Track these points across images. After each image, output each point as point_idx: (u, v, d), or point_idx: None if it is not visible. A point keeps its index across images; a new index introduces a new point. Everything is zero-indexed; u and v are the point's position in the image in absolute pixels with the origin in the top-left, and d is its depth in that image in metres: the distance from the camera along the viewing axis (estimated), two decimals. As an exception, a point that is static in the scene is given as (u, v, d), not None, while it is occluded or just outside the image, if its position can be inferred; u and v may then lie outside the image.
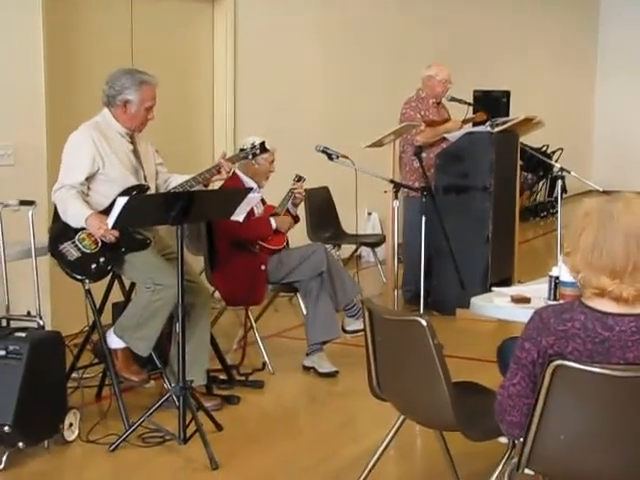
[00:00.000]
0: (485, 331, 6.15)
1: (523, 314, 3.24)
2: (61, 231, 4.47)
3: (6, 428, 3.92)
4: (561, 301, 3.38)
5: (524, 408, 2.75)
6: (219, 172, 4.74)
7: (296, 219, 5.84)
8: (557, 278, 3.48)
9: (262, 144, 4.99)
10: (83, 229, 4.40)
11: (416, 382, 3.24)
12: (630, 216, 2.59)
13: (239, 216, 4.54)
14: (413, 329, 3.10)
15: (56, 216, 4.53)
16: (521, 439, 2.81)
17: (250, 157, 5.03)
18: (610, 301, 2.60)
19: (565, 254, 2.73)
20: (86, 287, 4.52)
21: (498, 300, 3.65)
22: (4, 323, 4.40)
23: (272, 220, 5.59)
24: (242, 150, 5.01)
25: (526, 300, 3.58)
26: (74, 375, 4.79)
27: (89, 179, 4.46)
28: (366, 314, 3.36)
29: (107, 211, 4.35)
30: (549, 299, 3.51)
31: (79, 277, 4.49)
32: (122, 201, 3.95)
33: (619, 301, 2.58)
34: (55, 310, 5.72)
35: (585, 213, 2.67)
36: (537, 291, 3.67)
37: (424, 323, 3.05)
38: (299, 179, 5.81)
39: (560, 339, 2.62)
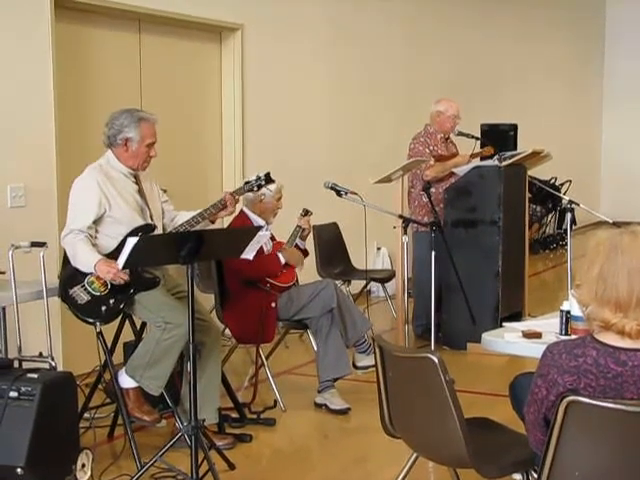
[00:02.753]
0: (497, 365, 6.14)
1: (534, 349, 3.25)
2: (70, 276, 4.49)
3: (19, 470, 3.90)
4: (573, 336, 3.37)
5: (539, 434, 2.77)
6: (225, 207, 4.73)
7: (305, 253, 5.86)
8: (568, 312, 3.47)
9: (267, 175, 4.90)
10: (92, 272, 4.42)
11: (428, 419, 3.22)
12: (635, 250, 2.59)
13: (249, 254, 4.53)
14: (425, 366, 3.09)
15: (65, 261, 4.55)
16: (535, 475, 2.80)
17: (255, 189, 4.93)
18: (616, 335, 2.60)
19: (576, 286, 2.74)
20: (97, 330, 4.53)
21: (509, 335, 3.64)
22: (16, 364, 4.41)
23: (280, 255, 5.60)
24: (247, 183, 4.94)
25: (537, 335, 3.57)
26: (86, 415, 4.79)
27: (96, 222, 4.48)
28: (377, 351, 3.35)
29: (115, 253, 4.37)
30: (561, 334, 3.51)
31: (90, 320, 4.50)
32: (132, 241, 3.96)
33: (623, 335, 2.58)
34: (66, 350, 5.72)
35: (594, 245, 2.68)
36: (548, 325, 3.67)
37: (435, 360, 3.04)
38: (306, 213, 5.83)
39: (572, 375, 2.61)
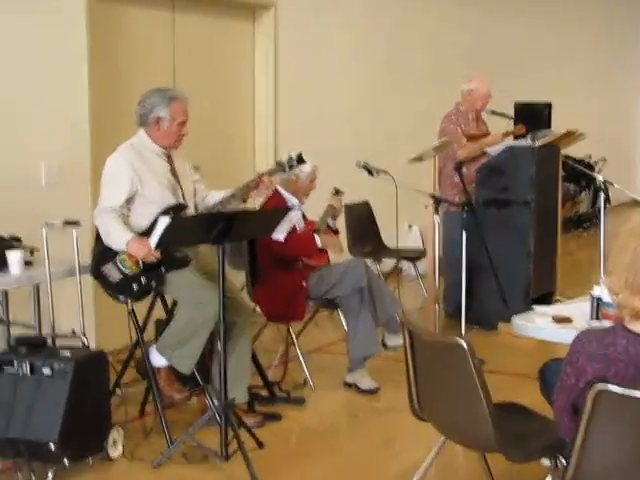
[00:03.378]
0: (528, 346, 6.07)
1: (565, 335, 3.23)
2: (102, 253, 4.53)
3: (51, 445, 3.97)
4: (604, 321, 3.36)
5: (567, 421, 2.77)
6: (258, 186, 4.73)
7: (336, 232, 5.85)
8: (599, 299, 3.45)
9: (299, 155, 4.87)
10: (124, 250, 4.45)
11: (457, 403, 3.23)
12: None
13: (280, 234, 4.55)
14: (453, 350, 3.09)
15: (98, 238, 4.58)
16: (563, 460, 2.81)
17: (287, 169, 4.92)
18: (649, 324, 2.59)
19: (607, 273, 2.73)
20: (129, 308, 4.56)
21: (539, 320, 3.62)
22: (50, 342, 4.47)
23: (317, 238, 5.58)
24: (279, 163, 4.93)
25: (568, 320, 3.56)
26: (118, 392, 4.84)
27: (128, 201, 4.51)
28: (406, 335, 3.36)
29: (147, 232, 4.41)
30: (591, 319, 3.49)
31: (122, 297, 4.54)
32: (164, 221, 3.99)
33: None
34: (99, 326, 5.78)
35: (627, 231, 2.66)
36: (578, 309, 3.65)
37: (464, 345, 3.04)
38: (337, 192, 5.80)
39: (601, 363, 2.60)
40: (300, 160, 4.89)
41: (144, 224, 4.50)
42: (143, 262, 4.44)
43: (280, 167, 4.89)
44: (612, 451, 2.69)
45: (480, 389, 3.05)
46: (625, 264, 2.61)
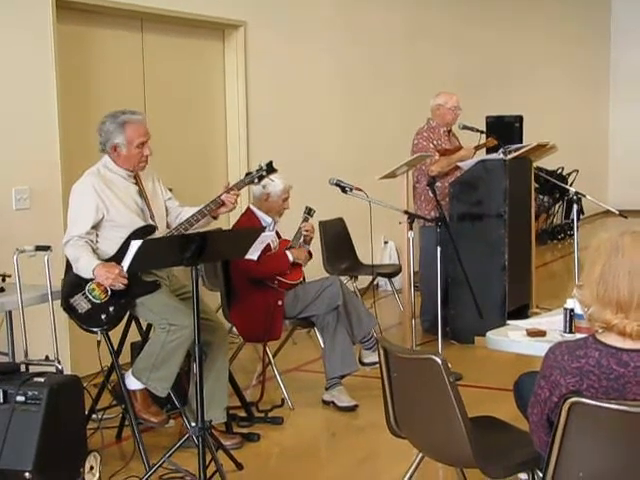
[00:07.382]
0: (505, 359, 6.06)
1: (539, 348, 3.24)
2: (72, 284, 4.48)
3: (27, 474, 3.91)
4: (576, 334, 3.37)
5: (543, 435, 2.76)
6: (223, 204, 4.69)
7: (309, 255, 5.83)
8: (572, 310, 3.47)
9: (269, 164, 4.75)
10: (93, 279, 4.41)
11: (433, 420, 3.22)
12: (636, 251, 2.58)
13: (253, 254, 4.54)
14: (428, 367, 3.09)
15: (67, 269, 4.54)
16: (540, 474, 2.81)
17: (256, 180, 4.81)
18: (617, 336, 2.59)
19: (578, 287, 2.74)
20: (98, 338, 4.50)
21: (513, 334, 3.63)
22: (23, 368, 4.42)
23: (289, 253, 5.58)
24: (248, 174, 4.82)
25: (541, 333, 3.57)
26: (94, 417, 4.80)
27: (96, 227, 4.47)
28: (381, 352, 3.35)
29: (115, 257, 4.39)
30: (565, 332, 3.51)
31: (94, 329, 4.49)
32: (136, 244, 3.95)
33: (624, 336, 2.57)
34: (74, 350, 5.73)
35: (595, 246, 2.68)
36: (552, 323, 3.66)
37: (439, 361, 3.04)
38: (309, 211, 5.77)
39: (575, 376, 2.61)
40: (270, 169, 4.76)
41: (113, 249, 4.47)
42: (112, 290, 4.41)
43: (249, 178, 4.78)
44: (587, 463, 2.69)
45: (455, 405, 3.05)
46: (595, 278, 2.62)
